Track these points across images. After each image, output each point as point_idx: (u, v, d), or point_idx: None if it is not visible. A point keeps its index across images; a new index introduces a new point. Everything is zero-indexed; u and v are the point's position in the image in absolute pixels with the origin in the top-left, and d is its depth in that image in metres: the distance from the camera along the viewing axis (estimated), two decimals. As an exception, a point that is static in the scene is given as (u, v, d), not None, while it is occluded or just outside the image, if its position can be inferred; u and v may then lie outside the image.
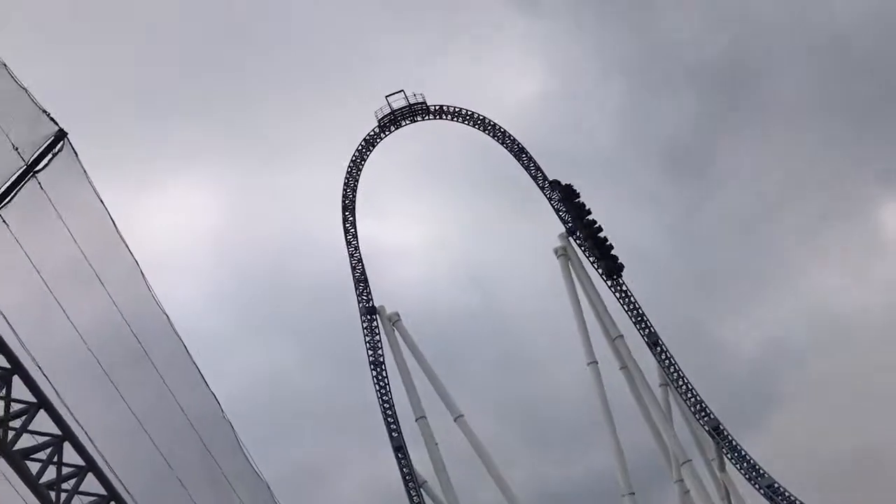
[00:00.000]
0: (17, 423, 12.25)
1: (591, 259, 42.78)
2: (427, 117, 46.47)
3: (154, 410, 14.14)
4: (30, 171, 11.78)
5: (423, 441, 40.49)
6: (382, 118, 45.86)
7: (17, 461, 12.30)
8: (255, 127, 75.15)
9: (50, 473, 12.77)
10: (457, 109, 46.44)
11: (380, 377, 41.31)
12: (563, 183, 44.07)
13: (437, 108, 46.36)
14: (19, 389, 12.10)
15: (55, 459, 12.75)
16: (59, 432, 12.62)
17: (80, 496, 13.21)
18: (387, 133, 46.26)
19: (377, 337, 42.64)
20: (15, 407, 12.15)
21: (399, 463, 38.86)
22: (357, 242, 44.98)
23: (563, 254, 43.86)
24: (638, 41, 77.56)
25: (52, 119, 11.98)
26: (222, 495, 15.71)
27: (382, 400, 40.59)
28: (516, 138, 46.02)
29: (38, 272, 12.08)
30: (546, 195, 44.52)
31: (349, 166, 45.95)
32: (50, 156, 12.04)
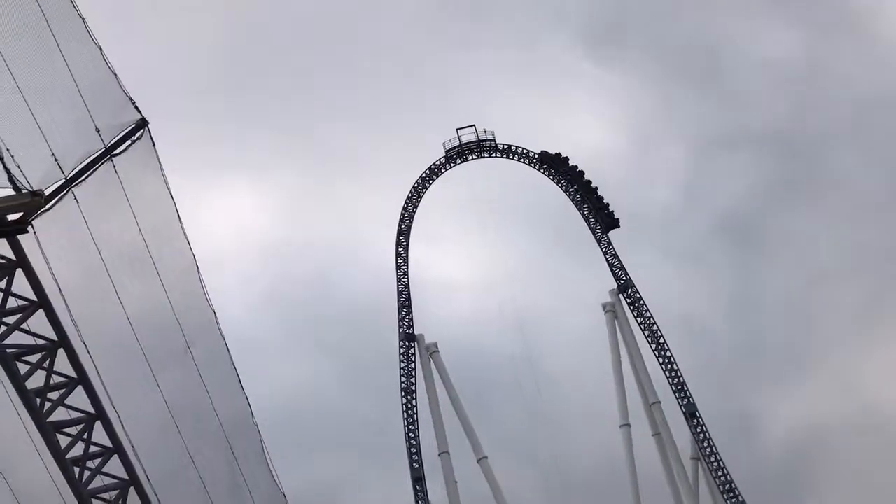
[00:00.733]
0: (54, 396, 12.48)
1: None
2: (494, 154, 46.72)
3: (187, 405, 14.27)
4: (107, 153, 12.11)
5: (442, 476, 40.10)
6: (451, 149, 46.25)
7: (49, 433, 12.51)
8: (323, 137, 76.40)
9: (77, 450, 12.97)
10: (524, 151, 46.59)
11: (409, 405, 41.14)
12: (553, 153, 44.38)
13: (505, 147, 46.59)
14: (62, 363, 12.34)
15: (84, 437, 12.94)
16: (93, 411, 12.82)
17: (102, 476, 13.37)
18: (452, 164, 46.62)
19: (412, 364, 42.56)
20: (55, 379, 12.39)
21: (415, 494, 38.51)
22: (407, 268, 45.16)
23: (612, 310, 43.37)
24: (706, 102, 77.05)
25: (136, 107, 12.33)
26: (239, 498, 15.73)
27: (408, 428, 40.37)
28: (579, 187, 45.89)
29: (100, 253, 12.35)
30: (602, 249, 44.19)
31: (410, 192, 46.32)
32: (129, 142, 12.37)
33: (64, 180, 11.44)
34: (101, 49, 11.91)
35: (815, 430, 63.00)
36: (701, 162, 74.64)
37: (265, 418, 16.11)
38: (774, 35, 76.91)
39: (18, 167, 10.58)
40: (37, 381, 12.21)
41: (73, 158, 11.72)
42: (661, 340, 40.73)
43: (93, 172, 11.87)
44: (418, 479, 38.89)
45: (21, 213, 10.24)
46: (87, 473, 13.10)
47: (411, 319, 43.90)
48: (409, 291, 44.50)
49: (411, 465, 39.29)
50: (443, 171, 46.63)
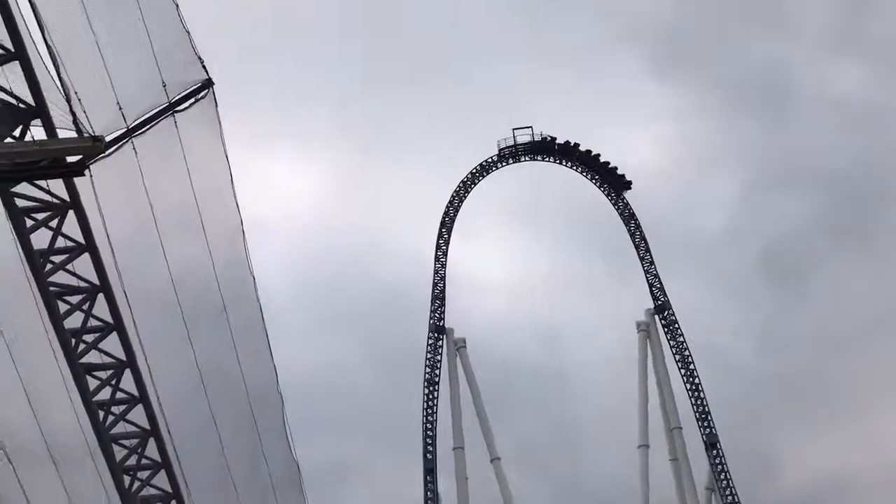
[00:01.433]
0: (89, 339, 12.73)
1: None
2: (547, 158, 46.48)
3: (215, 366, 14.43)
4: (170, 109, 12.28)
5: (454, 470, 40.15)
6: (504, 148, 46.10)
7: (80, 374, 12.76)
8: (379, 120, 76.74)
9: (104, 394, 13.21)
10: (579, 157, 46.28)
11: (430, 396, 41.25)
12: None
13: (559, 151, 46.28)
14: (101, 309, 12.57)
15: (113, 383, 13.18)
16: (124, 359, 13.04)
17: (126, 423, 13.61)
18: (504, 164, 46.50)
19: (438, 357, 42.65)
20: (92, 323, 12.62)
21: (426, 485, 38.64)
22: (445, 260, 45.22)
23: (645, 330, 43.01)
24: (767, 135, 75.76)
25: (204, 67, 12.48)
26: (254, 464, 15.90)
27: (427, 419, 40.49)
28: (629, 203, 45.48)
29: (150, 205, 12.55)
30: (644, 267, 43.78)
31: (459, 185, 46.33)
32: (192, 100, 12.52)
33: (125, 130, 11.63)
34: (177, 6, 12.07)
35: (835, 480, 61.70)
36: (753, 194, 73.50)
37: (286, 391, 16.26)
38: (847, 75, 75.43)
39: (84, 111, 10.77)
40: (74, 321, 12.46)
41: (136, 110, 11.91)
42: (691, 367, 40.28)
43: (154, 126, 12.04)
44: (430, 471, 39.00)
45: (80, 157, 10.41)
46: (110, 418, 13.35)
47: (443, 312, 43.97)
48: (444, 284, 44.57)
49: (425, 456, 39.41)
50: (494, 169, 46.54)
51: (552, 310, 45.17)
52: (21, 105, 10.51)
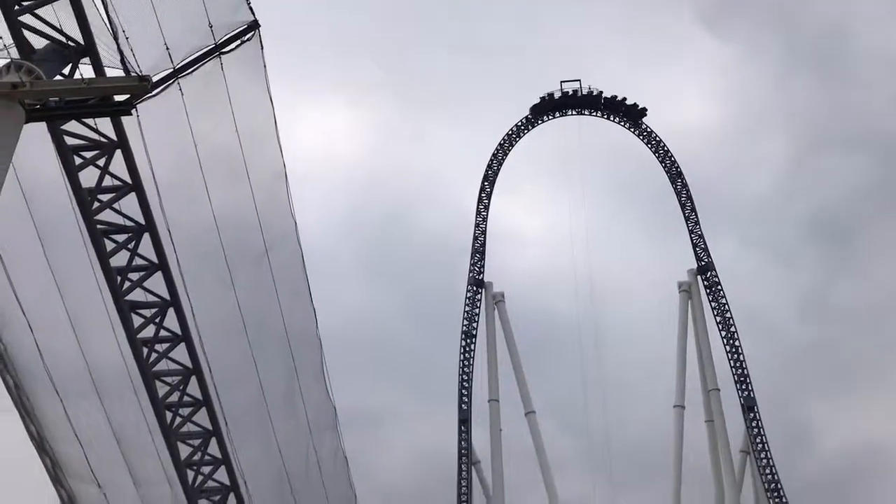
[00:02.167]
0: (134, 277, 12.98)
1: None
2: (594, 113, 45.68)
3: (256, 308, 14.65)
4: (216, 50, 12.29)
5: (488, 422, 40.52)
6: (550, 100, 45.34)
7: (126, 310, 13.06)
8: (425, 72, 76.01)
9: (148, 332, 13.52)
10: (624, 111, 45.42)
11: (467, 349, 41.47)
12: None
13: (606, 105, 45.43)
14: (146, 248, 12.79)
15: (157, 321, 13.47)
16: (168, 297, 13.29)
17: (168, 361, 13.93)
18: (551, 117, 45.80)
19: (477, 310, 42.73)
20: (137, 262, 12.86)
21: (460, 436, 39.05)
22: (487, 214, 45.01)
23: (687, 290, 42.54)
24: (823, 93, 73.33)
25: (250, 8, 12.43)
26: (291, 404, 16.20)
27: (463, 371, 40.77)
28: (676, 160, 44.67)
29: (195, 146, 12.64)
30: (688, 227, 43.11)
31: (503, 139, 45.86)
32: (238, 42, 12.51)
33: (171, 70, 11.67)
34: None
35: (872, 448, 61.07)
36: (805, 155, 71.62)
37: (324, 336, 16.48)
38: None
39: (132, 51, 10.83)
40: (120, 260, 12.71)
41: (182, 50, 11.94)
42: (732, 329, 39.82)
43: (200, 67, 12.07)
44: (464, 421, 39.38)
45: (127, 96, 10.49)
46: (154, 355, 13.68)
47: (482, 266, 43.94)
48: (484, 238, 44.43)
49: (460, 407, 39.77)
50: (539, 122, 45.92)
51: (592, 267, 44.90)
52: (70, 44, 10.61)
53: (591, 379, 42.31)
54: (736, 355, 39.30)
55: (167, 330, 13.50)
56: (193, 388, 14.16)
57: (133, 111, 10.64)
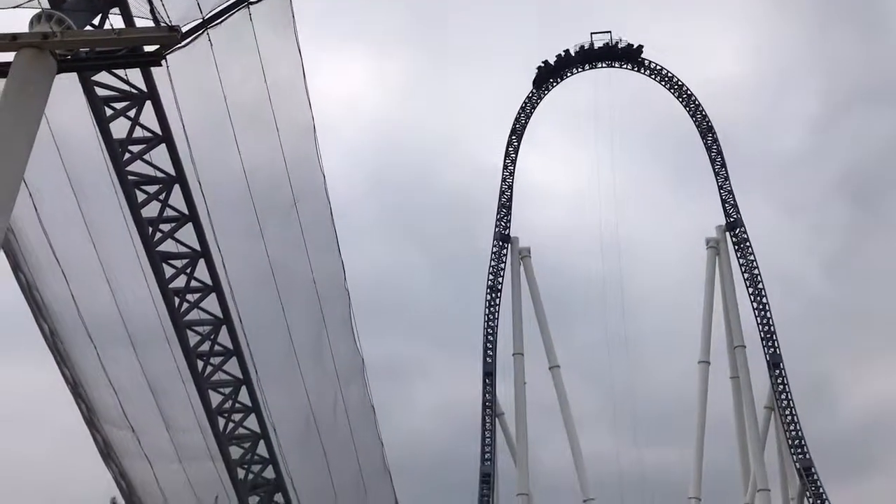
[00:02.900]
0: (165, 228, 13.14)
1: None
2: (625, 66, 45.00)
3: (285, 259, 14.78)
4: (245, 0, 12.20)
5: (512, 375, 40.90)
6: (580, 51, 44.67)
7: (157, 261, 13.25)
8: (451, 24, 75.02)
9: (179, 282, 13.71)
10: (657, 67, 44.69)
11: (493, 303, 41.69)
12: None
13: (638, 58, 44.68)
14: (176, 199, 12.91)
15: (188, 271, 13.65)
16: (199, 248, 13.45)
17: (199, 310, 14.15)
18: (580, 69, 45.17)
19: (502, 265, 42.83)
20: (168, 213, 13.00)
21: (484, 388, 39.50)
22: (514, 168, 44.82)
23: (715, 247, 42.28)
24: (861, 47, 71.40)
25: (278, -42, 12.32)
26: (319, 354, 16.43)
27: (488, 324, 41.05)
28: (707, 115, 43.99)
29: (224, 97, 12.65)
30: (718, 183, 42.65)
31: (531, 92, 45.38)
32: (267, -8, 12.42)
33: (200, 21, 11.62)
34: None
35: (894, 406, 60.82)
36: (838, 111, 70.08)
37: (352, 287, 16.64)
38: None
39: (161, 1, 10.80)
40: (151, 211, 12.85)
41: (211, 1, 11.86)
42: (760, 286, 39.62)
43: (229, 17, 12.00)
44: (489, 374, 39.79)
45: (157, 47, 10.50)
46: (185, 305, 13.90)
47: (509, 221, 43.90)
48: (511, 193, 44.31)
49: (485, 360, 40.14)
50: (569, 74, 45.32)
51: (619, 222, 44.68)
52: (100, -7, 10.59)
53: (616, 334, 42.42)
54: (763, 312, 39.16)
55: (198, 280, 13.68)
56: (224, 337, 14.39)
57: (163, 62, 10.65)
